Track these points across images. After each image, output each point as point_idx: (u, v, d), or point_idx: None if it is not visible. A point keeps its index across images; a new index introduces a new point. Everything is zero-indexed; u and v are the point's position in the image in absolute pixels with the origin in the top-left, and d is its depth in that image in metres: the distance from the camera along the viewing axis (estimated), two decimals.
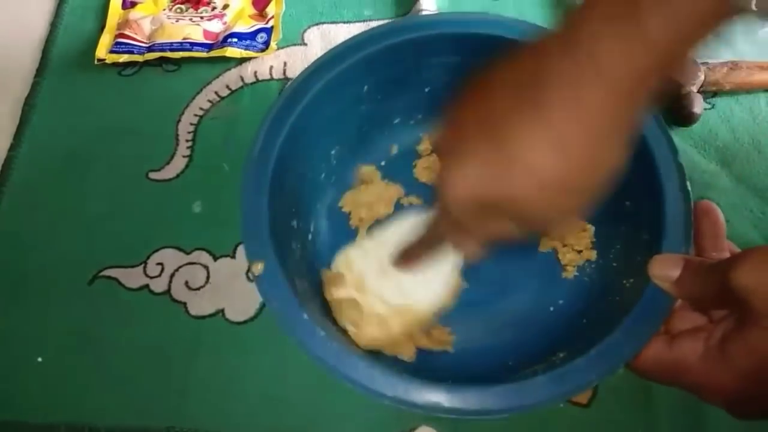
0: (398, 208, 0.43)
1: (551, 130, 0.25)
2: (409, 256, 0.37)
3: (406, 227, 0.38)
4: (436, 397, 0.29)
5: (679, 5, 0.22)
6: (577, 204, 0.28)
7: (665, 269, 0.30)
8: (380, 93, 0.41)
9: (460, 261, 0.37)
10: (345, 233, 0.42)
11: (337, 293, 0.37)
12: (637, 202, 0.36)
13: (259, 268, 0.32)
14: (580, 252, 0.40)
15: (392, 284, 0.37)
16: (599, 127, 0.25)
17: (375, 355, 0.36)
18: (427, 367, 0.31)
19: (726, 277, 0.26)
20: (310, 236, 0.41)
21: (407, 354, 0.36)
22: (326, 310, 0.37)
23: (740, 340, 0.26)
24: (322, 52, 0.53)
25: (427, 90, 0.42)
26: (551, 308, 0.40)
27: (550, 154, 0.26)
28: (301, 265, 0.38)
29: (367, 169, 0.44)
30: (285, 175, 0.36)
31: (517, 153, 0.26)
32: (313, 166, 0.41)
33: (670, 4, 0.22)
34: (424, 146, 0.45)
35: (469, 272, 0.39)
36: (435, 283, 0.37)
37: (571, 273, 0.40)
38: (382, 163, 0.44)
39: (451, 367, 0.31)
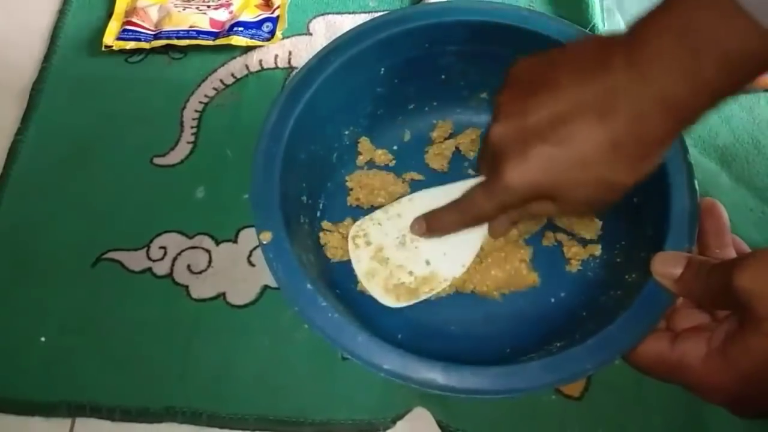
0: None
1: (613, 133, 0.28)
2: (436, 224, 0.37)
3: (419, 204, 0.39)
4: (432, 373, 0.30)
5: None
6: (625, 191, 0.31)
7: (667, 267, 0.31)
8: (396, 77, 0.42)
9: (484, 233, 0.38)
10: (353, 214, 0.42)
11: (359, 266, 0.39)
12: (645, 199, 0.37)
13: (267, 237, 0.33)
14: (585, 246, 0.41)
15: (414, 255, 0.39)
16: (653, 137, 0.28)
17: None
18: (424, 349, 0.31)
19: (728, 279, 0.26)
20: (318, 213, 0.42)
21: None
22: (331, 284, 0.37)
23: (741, 343, 0.26)
24: (327, 42, 0.54)
25: (442, 77, 0.43)
26: (552, 300, 0.40)
27: (609, 155, 0.28)
28: (308, 240, 0.38)
29: (379, 153, 0.44)
30: (297, 151, 0.37)
31: (582, 155, 0.29)
32: (326, 145, 0.42)
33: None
34: (437, 133, 0.45)
35: None
36: (460, 251, 0.38)
37: (575, 267, 0.41)
38: (395, 148, 0.45)
39: (448, 350, 0.31)
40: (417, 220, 0.38)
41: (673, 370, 0.29)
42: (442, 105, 0.45)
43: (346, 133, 0.43)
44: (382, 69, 0.41)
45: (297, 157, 0.37)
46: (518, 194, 0.31)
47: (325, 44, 0.54)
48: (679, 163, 0.35)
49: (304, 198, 0.40)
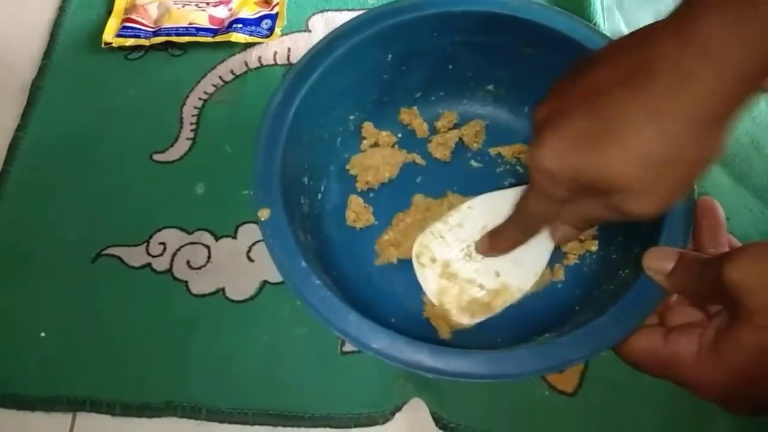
0: (407, 170, 0.44)
1: (654, 114, 0.25)
2: (499, 241, 0.36)
3: (479, 210, 0.39)
4: (419, 354, 0.30)
5: None
6: (669, 192, 0.28)
7: (659, 262, 0.30)
8: (404, 65, 0.42)
9: (551, 243, 0.37)
10: (361, 196, 0.43)
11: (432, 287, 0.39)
12: None
13: (265, 214, 0.33)
14: (582, 242, 0.41)
15: (483, 267, 0.38)
16: (702, 116, 0.25)
17: None
18: (416, 335, 0.31)
19: (719, 272, 0.26)
20: (319, 195, 0.42)
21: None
22: (328, 266, 0.37)
23: (732, 338, 0.26)
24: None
25: (450, 67, 0.43)
26: (548, 293, 0.40)
27: (648, 136, 0.26)
28: (307, 221, 0.38)
29: (384, 135, 0.44)
30: (301, 132, 0.37)
31: (615, 130, 0.26)
32: (330, 129, 0.42)
33: None
34: (442, 123, 0.45)
35: None
36: (527, 262, 0.37)
37: (571, 261, 0.41)
38: (399, 135, 0.45)
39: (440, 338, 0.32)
40: (481, 240, 0.38)
41: (665, 366, 0.29)
42: (449, 95, 0.45)
43: (351, 118, 0.43)
44: (390, 56, 0.41)
45: (300, 139, 0.37)
46: (554, 176, 0.28)
47: None
48: None
49: (306, 179, 0.40)
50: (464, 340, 0.33)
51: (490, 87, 0.45)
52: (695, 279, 0.29)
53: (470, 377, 0.30)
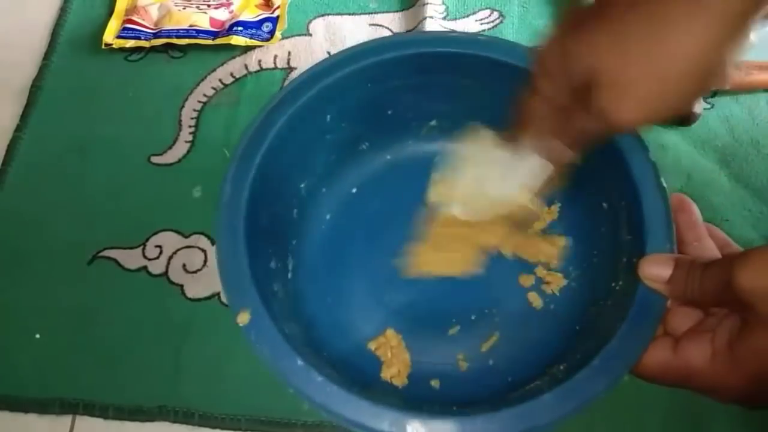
0: None
1: (657, 18, 0.26)
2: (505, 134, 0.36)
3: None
4: (446, 428, 0.28)
5: None
6: (651, 98, 0.27)
7: (656, 269, 0.30)
8: (344, 120, 0.40)
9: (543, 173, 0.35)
10: (323, 267, 0.41)
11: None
12: (614, 203, 0.36)
13: (245, 318, 0.31)
14: (549, 270, 0.40)
15: (488, 170, 0.36)
16: (710, 48, 0.25)
17: None
18: (427, 393, 0.30)
19: (728, 278, 0.25)
20: (289, 275, 0.40)
21: None
22: (318, 349, 0.36)
23: (747, 344, 0.26)
24: (326, 43, 0.54)
25: (390, 112, 0.42)
26: (543, 316, 0.39)
27: (642, 33, 0.26)
28: (284, 306, 0.36)
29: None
30: (258, 218, 0.35)
31: (612, 23, 0.27)
32: (285, 203, 0.40)
33: None
34: None
35: (455, 298, 0.39)
36: (516, 184, 0.36)
37: (555, 287, 0.40)
38: (354, 191, 0.43)
39: (451, 390, 0.30)
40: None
41: (682, 376, 0.29)
42: (394, 139, 0.44)
43: (302, 186, 0.41)
44: (329, 116, 0.40)
45: (259, 225, 0.35)
46: (545, 62, 0.30)
47: (323, 44, 0.54)
48: (643, 164, 0.34)
49: (273, 263, 0.37)
50: (475, 387, 0.32)
51: (434, 123, 0.43)
52: (695, 284, 0.28)
53: None
